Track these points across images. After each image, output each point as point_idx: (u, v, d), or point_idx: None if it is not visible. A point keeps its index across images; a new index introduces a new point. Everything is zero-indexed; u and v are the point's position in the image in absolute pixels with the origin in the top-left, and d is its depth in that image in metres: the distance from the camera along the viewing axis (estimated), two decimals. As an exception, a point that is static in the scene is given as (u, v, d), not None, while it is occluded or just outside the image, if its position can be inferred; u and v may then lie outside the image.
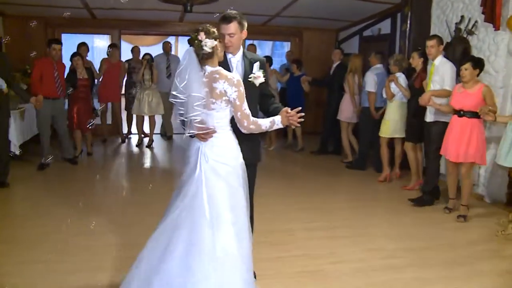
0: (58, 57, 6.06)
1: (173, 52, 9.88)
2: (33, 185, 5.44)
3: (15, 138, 5.65)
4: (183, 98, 2.54)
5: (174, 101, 2.60)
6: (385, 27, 7.66)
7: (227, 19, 2.75)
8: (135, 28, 8.73)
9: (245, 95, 2.62)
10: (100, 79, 7.70)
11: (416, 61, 5.28)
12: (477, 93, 4.39)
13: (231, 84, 2.57)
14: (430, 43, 4.88)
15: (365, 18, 8.10)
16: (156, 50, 9.68)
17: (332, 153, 7.50)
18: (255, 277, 2.92)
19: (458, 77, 4.65)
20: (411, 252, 3.78)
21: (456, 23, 5.65)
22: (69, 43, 7.92)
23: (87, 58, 7.33)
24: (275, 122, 2.73)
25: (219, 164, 2.58)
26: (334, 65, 7.28)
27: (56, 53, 5.97)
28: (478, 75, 4.48)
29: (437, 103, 4.70)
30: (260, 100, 3.02)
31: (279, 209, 4.80)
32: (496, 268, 3.53)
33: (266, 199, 5.14)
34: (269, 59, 7.87)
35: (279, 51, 13.77)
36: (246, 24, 2.85)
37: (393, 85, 5.60)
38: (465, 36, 5.49)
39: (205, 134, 2.60)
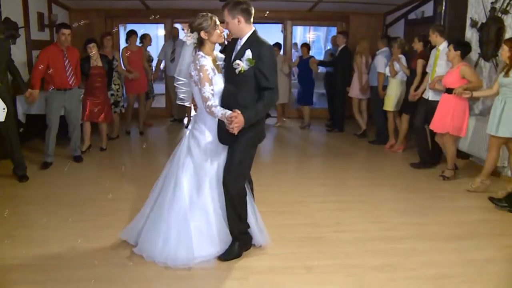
0: (68, 43, 5.40)
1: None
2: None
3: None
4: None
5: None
6: (428, 9, 7.54)
7: (222, 7, 3.03)
8: (187, 17, 9.12)
9: (207, 79, 2.96)
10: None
11: (416, 45, 5.98)
12: (455, 72, 4.96)
13: (195, 68, 3.00)
14: (430, 33, 5.50)
15: (410, 1, 8.00)
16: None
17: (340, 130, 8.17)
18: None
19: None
20: (415, 225, 3.92)
21: (491, 3, 5.51)
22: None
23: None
24: (226, 115, 2.84)
25: (192, 135, 3.19)
26: (339, 49, 7.84)
27: (65, 38, 5.33)
28: (463, 56, 5.00)
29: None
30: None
31: (298, 183, 5.10)
32: (497, 244, 3.57)
33: (286, 174, 5.53)
34: (278, 45, 8.43)
35: (333, 36, 13.92)
36: (240, 11, 2.92)
37: (396, 65, 6.32)
38: (499, 15, 5.36)
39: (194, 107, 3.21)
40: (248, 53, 2.95)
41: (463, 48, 5.00)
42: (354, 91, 7.52)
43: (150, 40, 7.94)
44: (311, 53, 8.44)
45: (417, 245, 3.54)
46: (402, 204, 4.45)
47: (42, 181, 5.00)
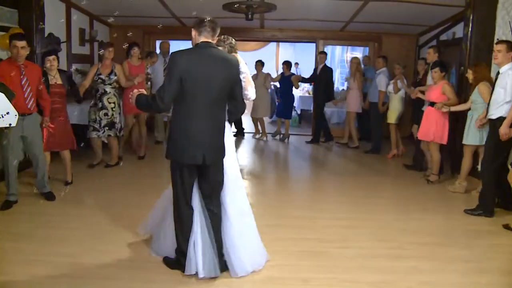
0: (23, 58, 4.39)
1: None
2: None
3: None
4: None
5: None
6: (459, 31, 7.45)
7: None
8: (220, 34, 9.52)
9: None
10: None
11: (421, 67, 6.92)
12: (437, 88, 5.69)
13: None
14: (432, 51, 6.39)
15: (441, 22, 7.96)
16: (259, 55, 10.62)
17: (324, 142, 8.81)
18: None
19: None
20: (422, 245, 3.89)
21: (518, 24, 5.45)
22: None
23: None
24: None
25: None
26: (320, 67, 8.63)
27: (18, 51, 4.30)
28: (444, 76, 5.75)
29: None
30: None
31: (311, 199, 5.20)
32: (504, 269, 3.51)
33: (301, 189, 5.64)
34: (261, 62, 9.00)
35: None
36: (195, 26, 3.13)
37: (399, 83, 7.10)
38: (525, 37, 5.29)
39: None
40: None
41: (444, 68, 5.74)
42: (352, 105, 8.32)
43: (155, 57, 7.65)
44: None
45: (419, 264, 3.52)
46: (412, 224, 4.41)
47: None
